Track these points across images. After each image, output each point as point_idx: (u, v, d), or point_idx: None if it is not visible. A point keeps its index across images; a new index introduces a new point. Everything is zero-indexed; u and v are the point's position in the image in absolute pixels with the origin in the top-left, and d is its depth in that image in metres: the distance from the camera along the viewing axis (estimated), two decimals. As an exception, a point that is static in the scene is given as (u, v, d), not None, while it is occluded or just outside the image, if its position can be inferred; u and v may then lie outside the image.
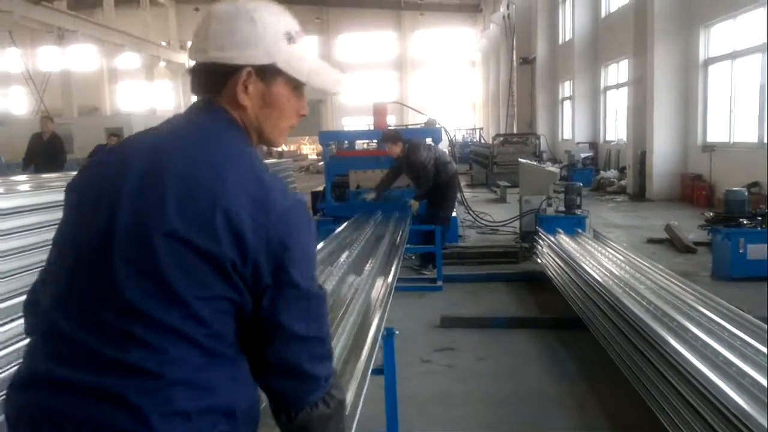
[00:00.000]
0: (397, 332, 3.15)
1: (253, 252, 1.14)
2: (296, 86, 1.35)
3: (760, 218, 6.48)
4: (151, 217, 1.13)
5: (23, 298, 2.51)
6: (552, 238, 6.43)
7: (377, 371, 3.13)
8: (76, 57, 36.89)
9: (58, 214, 2.82)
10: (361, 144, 12.62)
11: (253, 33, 1.26)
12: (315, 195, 9.85)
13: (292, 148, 47.24)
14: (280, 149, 41.69)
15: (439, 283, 6.70)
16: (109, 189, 1.19)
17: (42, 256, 2.66)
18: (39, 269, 2.61)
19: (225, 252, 1.12)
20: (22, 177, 5.24)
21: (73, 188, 1.30)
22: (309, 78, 1.35)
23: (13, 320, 2.51)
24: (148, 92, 43.15)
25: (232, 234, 1.12)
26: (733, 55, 11.83)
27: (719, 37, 12.41)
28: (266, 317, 1.18)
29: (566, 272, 5.48)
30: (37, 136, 11.19)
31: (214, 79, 1.28)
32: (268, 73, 1.28)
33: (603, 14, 19.11)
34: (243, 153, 1.24)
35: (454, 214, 9.11)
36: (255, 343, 1.20)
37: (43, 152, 10.57)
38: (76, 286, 1.17)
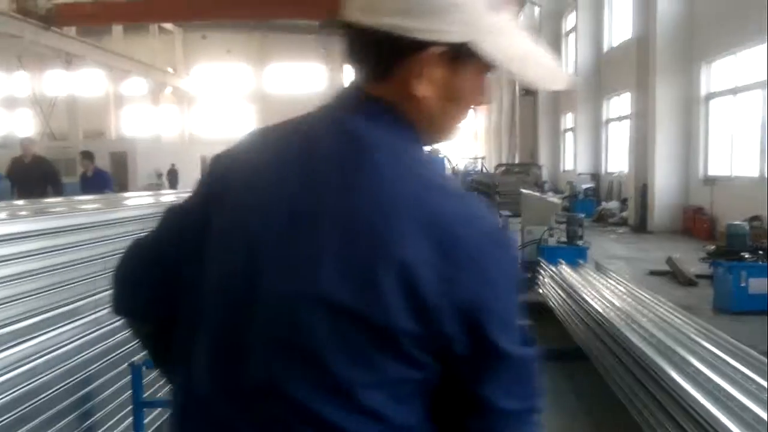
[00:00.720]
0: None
1: (437, 317, 0.81)
2: (487, 72, 0.96)
3: (761, 252, 6.49)
4: (299, 277, 0.84)
5: (23, 324, 2.54)
6: (554, 269, 6.43)
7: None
8: (83, 81, 37.32)
9: (60, 240, 2.87)
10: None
11: None
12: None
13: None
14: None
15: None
16: (243, 232, 0.91)
17: (42, 282, 2.70)
18: (38, 295, 2.65)
19: (397, 321, 0.81)
20: (21, 202, 5.28)
21: (190, 219, 1.02)
22: (518, 66, 0.95)
23: (11, 347, 2.51)
24: (153, 118, 43.53)
25: (405, 295, 0.80)
26: (734, 91, 11.94)
27: (720, 72, 12.54)
28: (464, 391, 0.87)
29: (568, 303, 5.47)
30: (17, 160, 10.01)
31: (383, 58, 0.90)
32: (461, 54, 0.90)
33: (605, 48, 19.34)
34: (417, 171, 0.89)
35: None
36: (448, 412, 0.89)
37: (28, 177, 9.47)
38: (210, 359, 0.93)
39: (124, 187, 28.88)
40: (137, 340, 1.20)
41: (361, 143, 0.88)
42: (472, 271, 0.82)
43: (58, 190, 9.44)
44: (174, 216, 1.09)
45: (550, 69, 1.00)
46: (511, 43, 0.91)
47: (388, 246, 0.81)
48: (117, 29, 40.53)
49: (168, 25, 45.13)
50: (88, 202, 4.28)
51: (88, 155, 10.86)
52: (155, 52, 43.57)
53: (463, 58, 0.89)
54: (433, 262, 0.80)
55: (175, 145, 42.72)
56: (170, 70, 46.23)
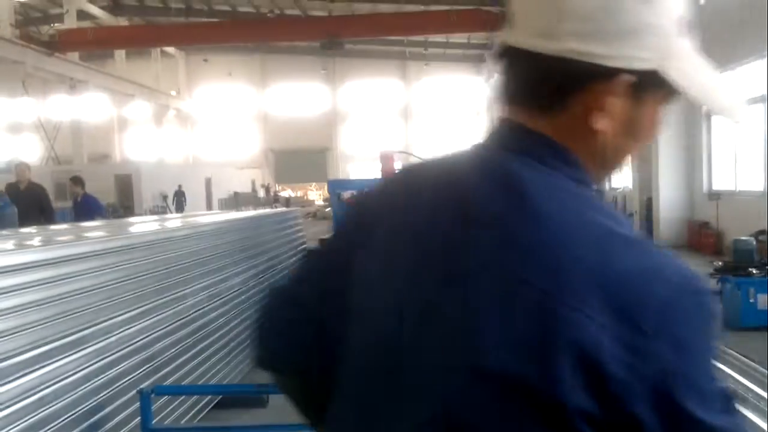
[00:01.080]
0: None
1: (622, 395, 0.67)
2: (667, 102, 0.89)
3: (769, 267, 6.46)
4: (453, 345, 0.73)
5: (29, 354, 2.53)
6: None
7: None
8: (87, 106, 37.60)
9: (68, 268, 2.87)
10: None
11: (646, 18, 0.78)
12: (323, 242, 9.88)
13: (299, 194, 47.67)
14: (287, 196, 42.04)
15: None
16: (389, 290, 0.82)
17: (47, 312, 2.68)
18: (43, 325, 2.64)
19: (572, 399, 0.67)
20: (25, 230, 5.28)
21: (333, 265, 0.94)
22: (703, 95, 0.87)
23: (18, 377, 2.50)
24: (157, 140, 43.79)
25: (583, 370, 0.67)
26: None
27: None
28: None
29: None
30: (12, 186, 9.79)
31: (558, 88, 0.79)
32: (647, 83, 0.80)
33: (605, 64, 19.44)
34: (589, 219, 0.75)
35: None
36: None
37: (22, 203, 9.22)
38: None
39: (129, 210, 29.00)
40: (289, 398, 1.09)
41: (523, 189, 0.76)
42: (664, 337, 0.67)
43: (50, 218, 9.22)
44: (316, 261, 1.03)
45: (732, 97, 0.91)
46: (696, 69, 0.85)
47: (560, 314, 0.68)
48: (120, 54, 40.92)
49: (170, 49, 45.53)
50: (91, 229, 4.28)
51: (77, 181, 10.63)
52: (158, 76, 43.95)
53: (648, 88, 0.80)
54: (617, 330, 0.67)
55: (179, 167, 42.87)
56: (173, 93, 46.60)
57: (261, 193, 44.52)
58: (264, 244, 5.95)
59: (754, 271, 6.46)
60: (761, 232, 10.05)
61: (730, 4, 11.75)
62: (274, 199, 39.52)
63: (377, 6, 33.15)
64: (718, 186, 12.71)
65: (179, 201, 32.04)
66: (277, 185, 45.60)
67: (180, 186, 32.54)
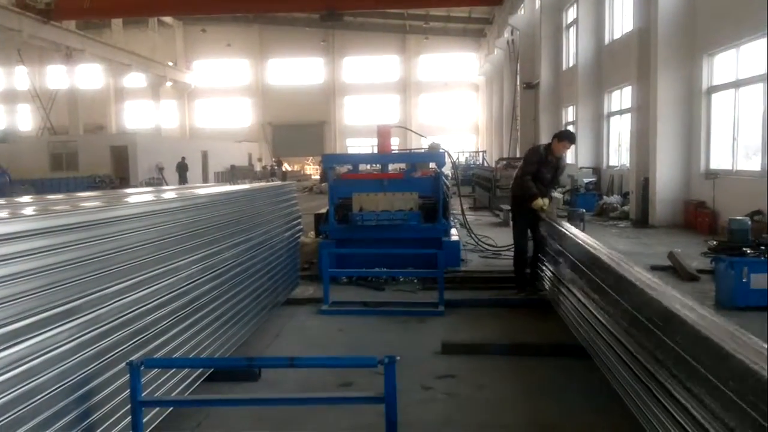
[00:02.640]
0: (398, 359, 3.13)
1: None
2: None
3: (763, 247, 6.46)
4: None
5: (19, 324, 2.51)
6: (549, 262, 6.41)
7: (377, 399, 3.12)
8: (83, 76, 37.23)
9: (62, 238, 2.84)
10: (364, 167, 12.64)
11: None
12: (318, 217, 9.86)
13: (296, 168, 47.50)
14: (284, 169, 41.90)
15: (441, 307, 6.67)
16: None
17: (37, 282, 2.67)
18: (31, 296, 2.61)
19: None
20: (27, 198, 5.25)
21: None
22: None
23: (7, 347, 2.49)
24: (153, 112, 43.45)
25: None
26: (736, 84, 11.88)
27: (722, 65, 12.47)
28: None
29: (569, 299, 5.45)
30: None
31: None
32: None
33: (606, 41, 19.25)
34: None
35: (456, 237, 9.13)
36: None
37: None
38: None
39: (125, 181, 28.92)
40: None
41: None
42: None
43: None
44: None
45: None
46: None
47: None
48: (116, 23, 40.44)
49: (168, 19, 45.00)
50: (85, 200, 4.25)
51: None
52: (155, 46, 43.50)
53: None
54: None
55: (175, 139, 42.66)
56: (170, 63, 46.12)
57: (258, 167, 44.33)
58: (258, 218, 5.93)
59: (749, 251, 6.46)
60: (757, 212, 10.05)
61: (734, -19, 11.61)
62: (271, 173, 39.39)
63: (378, -22, 32.72)
64: (715, 166, 12.68)
65: (182, 173, 31.86)
66: (273, 159, 45.33)
67: (183, 158, 32.35)
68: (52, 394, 2.67)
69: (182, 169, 32.06)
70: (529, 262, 7.25)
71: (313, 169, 45.63)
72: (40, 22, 30.83)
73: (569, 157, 22.90)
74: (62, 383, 2.75)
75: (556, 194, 6.95)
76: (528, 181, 7.05)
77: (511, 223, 7.97)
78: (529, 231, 7.22)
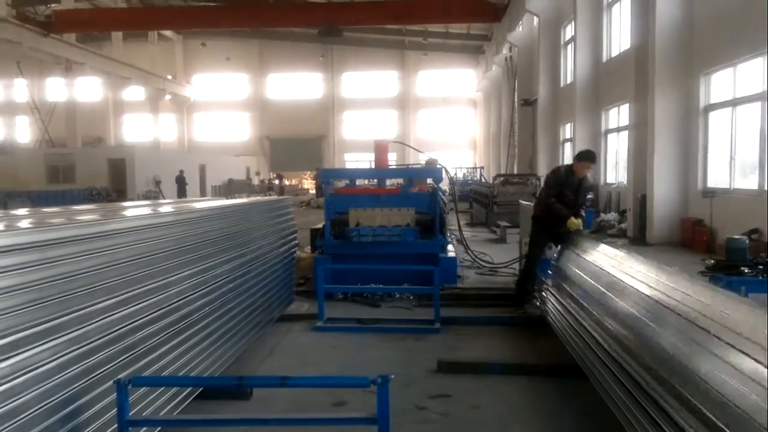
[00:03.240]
0: (392, 377, 3.07)
1: None
2: None
3: (761, 267, 6.41)
4: None
5: (6, 340, 2.45)
6: (552, 282, 6.35)
7: (370, 420, 3.05)
8: (82, 88, 37.29)
9: (56, 252, 2.79)
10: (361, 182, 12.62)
11: None
12: (314, 232, 9.80)
13: (294, 182, 47.50)
14: (281, 184, 41.90)
15: (437, 325, 6.60)
16: None
17: (18, 299, 2.61)
18: (14, 313, 2.55)
19: None
20: (23, 211, 5.20)
21: None
22: None
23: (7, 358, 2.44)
24: (152, 125, 43.49)
25: None
26: (733, 102, 11.90)
27: (720, 84, 12.50)
28: None
29: (566, 318, 5.39)
30: None
31: None
32: None
33: (604, 59, 19.32)
34: None
35: (452, 253, 9.08)
36: None
37: None
38: None
39: (122, 194, 28.86)
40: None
41: None
42: None
43: None
44: None
45: None
46: None
47: None
48: (116, 36, 40.58)
49: (167, 33, 45.19)
50: (75, 214, 4.19)
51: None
52: (155, 59, 43.63)
53: None
54: None
55: (173, 153, 42.66)
56: (169, 77, 46.24)
57: (255, 181, 44.29)
58: (253, 232, 5.87)
59: (746, 270, 6.41)
60: (754, 231, 10.02)
61: (728, 2, 11.66)
62: (268, 188, 39.37)
63: (377, -6, 32.90)
64: (713, 184, 12.67)
65: (181, 186, 31.78)
66: (271, 173, 45.33)
67: (182, 171, 32.29)
68: (36, 413, 2.60)
69: (181, 182, 32.01)
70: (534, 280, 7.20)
71: (310, 184, 45.60)
72: (40, 34, 30.93)
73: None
74: (47, 402, 2.69)
75: (578, 221, 6.84)
76: (554, 204, 6.94)
77: (522, 239, 8.00)
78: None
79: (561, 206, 6.89)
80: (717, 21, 12.13)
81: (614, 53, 18.55)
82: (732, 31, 11.54)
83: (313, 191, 33.12)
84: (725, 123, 12.29)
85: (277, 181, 41.41)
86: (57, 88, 37.78)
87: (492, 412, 4.42)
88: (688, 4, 13.04)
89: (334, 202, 8.64)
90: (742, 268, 6.46)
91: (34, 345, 2.63)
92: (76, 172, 30.99)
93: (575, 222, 6.75)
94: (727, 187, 12.12)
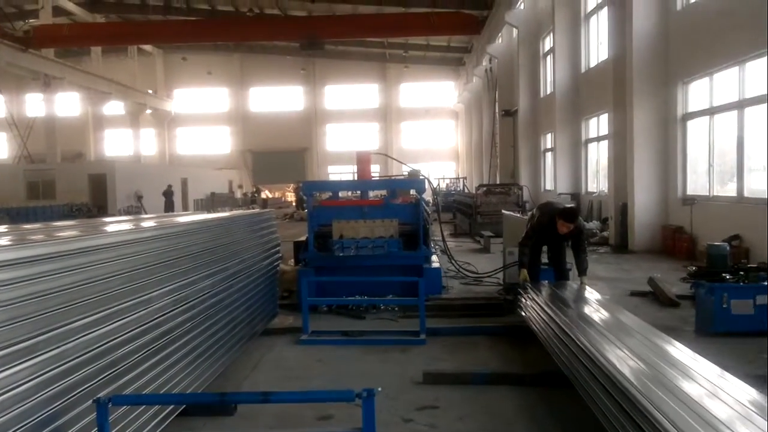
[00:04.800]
0: (378, 390, 3.04)
1: None
2: None
3: (742, 273, 6.48)
4: None
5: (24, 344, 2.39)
6: (536, 291, 6.36)
7: (356, 435, 3.02)
8: (61, 103, 36.94)
9: (35, 269, 2.73)
10: (345, 194, 12.59)
11: None
12: (298, 245, 9.75)
13: (277, 195, 47.32)
14: (264, 197, 41.72)
15: (422, 336, 6.58)
16: None
17: (13, 312, 2.57)
18: (8, 326, 2.51)
19: None
20: (2, 228, 5.11)
21: None
22: None
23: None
24: (132, 139, 43.17)
25: None
26: (711, 111, 12.06)
27: (697, 93, 12.68)
28: None
29: (550, 327, 5.40)
30: None
31: None
32: None
33: (583, 69, 19.53)
34: None
35: (437, 264, 9.07)
36: None
37: None
38: None
39: (103, 210, 28.56)
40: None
41: None
42: None
43: None
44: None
45: None
46: None
47: None
48: (96, 51, 40.31)
49: (148, 47, 45.00)
50: (55, 230, 4.13)
51: None
52: (135, 74, 43.40)
53: None
54: None
55: (155, 167, 42.34)
56: (150, 91, 46.00)
57: (238, 194, 44.08)
58: (235, 246, 5.82)
59: (728, 276, 6.47)
60: (735, 237, 10.13)
61: (704, 13, 11.85)
62: (251, 201, 39.19)
63: (358, 7, 33.05)
64: (693, 191, 12.82)
65: (169, 200, 31.47)
66: (253, 186, 45.13)
67: (170, 186, 32.00)
68: (12, 434, 2.54)
69: (169, 196, 31.73)
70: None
71: (293, 197, 45.44)
72: (19, 50, 30.65)
73: (548, 182, 23.10)
74: (25, 422, 2.63)
75: (585, 280, 6.77)
76: (522, 249, 6.88)
77: (506, 249, 8.05)
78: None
79: (525, 252, 6.87)
80: (693, 31, 12.33)
81: (593, 64, 18.77)
82: (708, 42, 11.72)
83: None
84: (703, 131, 12.46)
85: (259, 195, 41.22)
86: (36, 104, 37.40)
87: (479, 422, 4.40)
88: (665, 14, 13.24)
89: (318, 214, 8.61)
90: (724, 275, 6.53)
91: (12, 364, 2.57)
92: (56, 188, 30.65)
93: (523, 274, 6.78)
94: (707, 194, 12.26)
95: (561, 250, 7.20)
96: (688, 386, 3.40)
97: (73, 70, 35.89)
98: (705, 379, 3.53)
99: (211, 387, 4.73)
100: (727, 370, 3.71)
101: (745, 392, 3.30)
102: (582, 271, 6.77)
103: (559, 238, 6.86)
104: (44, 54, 33.21)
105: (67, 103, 40.57)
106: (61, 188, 30.38)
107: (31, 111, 39.02)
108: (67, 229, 4.33)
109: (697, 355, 4.03)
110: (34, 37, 31.19)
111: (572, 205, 8.52)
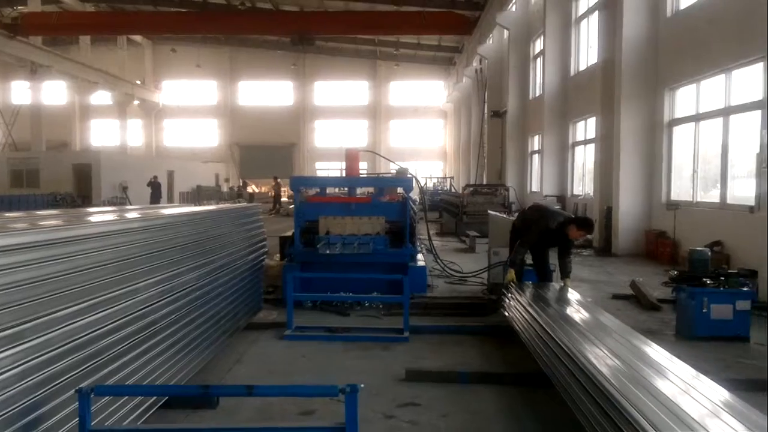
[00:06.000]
0: (361, 386, 3.06)
1: None
2: None
3: (723, 278, 6.56)
4: None
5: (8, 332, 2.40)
6: (519, 291, 6.41)
7: (338, 430, 3.04)
8: (48, 92, 36.58)
9: (18, 257, 2.73)
10: (332, 190, 12.59)
11: None
12: (283, 240, 9.75)
13: (264, 189, 47.16)
14: (250, 191, 41.56)
15: (406, 334, 6.61)
16: None
17: (31, 291, 2.57)
18: (25, 304, 2.52)
19: None
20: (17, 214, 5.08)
21: None
22: None
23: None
24: (119, 130, 42.83)
25: None
26: (696, 118, 12.19)
27: (683, 99, 12.81)
28: None
29: (533, 327, 5.45)
30: None
31: None
32: None
33: (572, 72, 19.66)
34: None
35: (422, 262, 9.11)
36: None
37: None
38: None
39: (87, 200, 28.33)
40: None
41: None
42: None
43: None
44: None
45: None
46: None
47: None
48: (84, 40, 39.93)
49: (137, 38, 44.65)
50: (39, 219, 4.12)
51: None
52: (123, 64, 43.05)
53: None
54: None
55: (141, 158, 42.04)
56: (138, 82, 45.64)
57: (225, 188, 43.86)
58: (221, 239, 5.82)
59: (708, 282, 6.56)
60: (716, 243, 10.26)
61: (693, 21, 11.98)
62: (238, 194, 39.02)
63: (350, 4, 33.00)
64: (677, 197, 12.95)
65: (155, 193, 31.18)
66: (240, 180, 44.95)
67: (155, 177, 31.73)
68: (-6, 422, 2.54)
69: (156, 187, 31.43)
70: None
71: (283, 191, 45.26)
72: (6, 37, 30.31)
73: (535, 184, 23.22)
74: (7, 410, 2.63)
75: (569, 282, 6.86)
76: (521, 249, 6.89)
77: (491, 249, 8.15)
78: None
79: (522, 251, 6.89)
80: (682, 38, 12.45)
81: (582, 67, 18.89)
82: (695, 49, 11.85)
83: (284, 199, 32.71)
84: (689, 137, 12.59)
85: (245, 188, 41.02)
86: (22, 91, 37.02)
87: (460, 420, 4.44)
88: (654, 21, 13.35)
89: (305, 209, 8.61)
90: (705, 279, 6.61)
91: (-6, 352, 2.57)
92: (40, 177, 30.36)
93: (511, 275, 6.82)
94: (690, 200, 12.40)
95: (546, 252, 7.28)
96: (663, 385, 3.47)
97: (60, 58, 35.55)
98: (680, 379, 3.60)
99: (194, 380, 4.73)
100: (704, 374, 3.77)
101: (716, 392, 3.38)
102: (566, 274, 6.84)
103: (556, 242, 6.93)
104: (32, 41, 32.86)
105: (53, 92, 40.17)
106: (45, 177, 30.10)
107: (17, 98, 38.62)
108: (50, 218, 4.32)
109: (673, 357, 4.10)
110: (22, 25, 30.85)
111: (587, 216, 8.70)
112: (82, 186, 30.03)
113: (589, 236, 15.24)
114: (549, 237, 6.88)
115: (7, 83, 43.36)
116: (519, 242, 6.98)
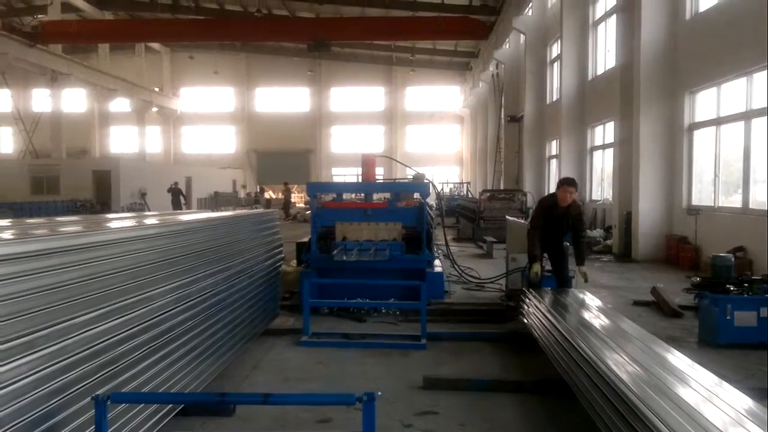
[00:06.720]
0: (378, 394, 3.02)
1: None
2: None
3: (746, 285, 6.44)
4: None
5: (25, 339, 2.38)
6: (538, 298, 6.34)
7: (355, 438, 2.99)
8: (68, 99, 37.00)
9: (37, 263, 2.72)
10: (348, 196, 12.58)
11: None
12: (300, 246, 9.74)
13: (280, 196, 47.32)
14: (267, 197, 41.74)
15: (423, 341, 6.55)
16: None
17: (14, 307, 2.56)
18: (8, 321, 2.51)
19: None
20: (5, 222, 5.11)
21: None
22: None
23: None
24: (138, 136, 43.23)
25: None
26: (717, 121, 12.03)
27: (704, 103, 12.65)
28: None
29: (552, 334, 5.37)
30: None
31: None
32: None
33: (590, 77, 19.51)
34: None
35: (439, 268, 9.05)
36: None
37: None
38: None
39: (106, 206, 28.59)
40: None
41: None
42: None
43: None
44: None
45: None
46: None
47: None
48: (103, 48, 40.41)
49: (155, 45, 45.12)
50: (57, 225, 4.12)
51: None
52: (142, 72, 43.49)
53: None
54: None
55: (159, 165, 42.40)
56: (156, 89, 46.07)
57: (242, 194, 44.10)
58: (238, 245, 5.81)
59: (732, 288, 6.44)
60: (739, 249, 10.09)
61: (712, 23, 11.83)
62: (255, 201, 39.20)
63: (365, 10, 33.08)
64: (698, 201, 12.78)
65: (176, 199, 31.38)
66: (258, 186, 45.16)
67: (176, 183, 31.94)
68: (11, 430, 2.53)
69: (176, 194, 31.67)
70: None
71: (297, 197, 45.41)
72: (26, 45, 30.75)
73: (552, 189, 23.02)
74: (23, 418, 2.61)
75: (585, 269, 6.82)
76: (533, 237, 6.84)
77: (510, 255, 8.16)
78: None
79: (536, 243, 6.82)
80: (701, 41, 12.30)
81: (600, 71, 18.74)
82: (716, 52, 11.70)
83: (301, 204, 32.73)
84: (710, 141, 12.42)
85: (263, 194, 41.20)
86: (42, 99, 37.49)
87: (478, 429, 4.38)
88: (673, 24, 13.21)
89: (321, 215, 8.60)
90: (728, 286, 6.50)
91: (11, 359, 2.55)
92: (60, 184, 30.70)
93: (535, 268, 6.75)
94: (712, 204, 12.22)
95: (563, 256, 7.20)
96: (685, 393, 3.39)
97: (80, 66, 35.98)
98: (702, 387, 3.52)
99: (210, 387, 4.71)
100: (726, 382, 3.68)
101: (740, 400, 3.30)
102: (581, 260, 6.80)
103: (562, 222, 6.89)
104: (52, 50, 33.31)
105: (73, 99, 40.64)
106: (65, 184, 30.43)
107: (37, 106, 39.11)
108: (70, 225, 4.33)
109: (695, 364, 4.01)
110: (42, 33, 31.29)
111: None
112: (101, 192, 30.31)
113: (605, 241, 15.13)
114: (553, 219, 6.88)
115: (27, 91, 43.94)
116: (528, 230, 6.97)
